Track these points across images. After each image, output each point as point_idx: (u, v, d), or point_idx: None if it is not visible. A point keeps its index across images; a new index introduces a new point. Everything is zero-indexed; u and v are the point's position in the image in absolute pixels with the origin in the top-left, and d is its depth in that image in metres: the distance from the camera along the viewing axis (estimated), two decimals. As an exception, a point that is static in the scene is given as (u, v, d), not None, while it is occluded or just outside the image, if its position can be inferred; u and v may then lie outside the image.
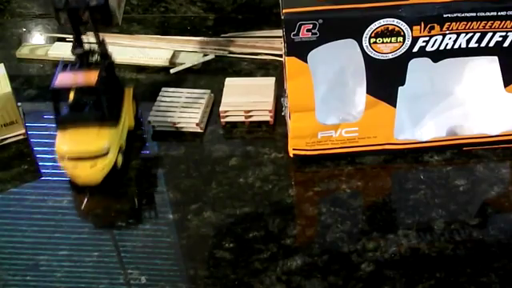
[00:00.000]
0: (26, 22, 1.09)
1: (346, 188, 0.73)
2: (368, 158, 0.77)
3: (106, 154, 0.73)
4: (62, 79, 0.73)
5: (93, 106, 0.74)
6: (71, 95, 0.74)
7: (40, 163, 0.80)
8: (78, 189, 0.75)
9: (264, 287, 0.63)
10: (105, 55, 0.77)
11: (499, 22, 0.66)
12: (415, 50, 0.67)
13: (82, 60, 0.75)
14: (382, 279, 0.63)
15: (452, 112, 0.79)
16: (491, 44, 0.67)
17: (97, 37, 0.75)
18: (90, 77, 0.72)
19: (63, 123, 0.73)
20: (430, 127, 0.77)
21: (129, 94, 0.81)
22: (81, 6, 0.71)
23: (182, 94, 0.86)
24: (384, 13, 0.65)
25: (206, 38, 1.00)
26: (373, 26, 0.65)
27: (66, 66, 0.74)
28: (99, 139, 0.73)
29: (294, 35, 0.66)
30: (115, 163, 0.74)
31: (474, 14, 0.65)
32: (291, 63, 0.68)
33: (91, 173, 0.73)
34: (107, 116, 0.73)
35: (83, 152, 0.72)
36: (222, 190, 0.74)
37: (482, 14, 0.65)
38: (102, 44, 0.76)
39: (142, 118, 0.85)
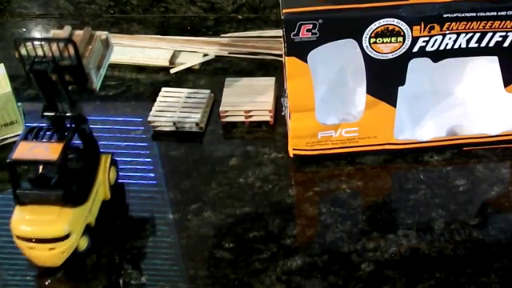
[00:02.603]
0: (25, 21, 1.09)
1: (346, 188, 0.73)
2: (368, 157, 0.77)
3: (67, 237, 0.64)
4: (21, 151, 0.64)
5: (56, 183, 0.66)
6: (36, 168, 0.68)
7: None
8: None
9: (264, 287, 0.63)
10: (79, 120, 0.67)
11: (499, 22, 0.66)
12: (415, 49, 0.67)
13: (55, 124, 0.66)
14: (382, 279, 0.63)
15: (452, 112, 0.79)
16: (491, 44, 0.67)
17: (69, 101, 0.65)
18: (53, 150, 0.64)
19: (21, 199, 0.65)
20: (429, 127, 0.77)
21: (105, 161, 0.72)
22: (48, 68, 0.62)
23: (182, 94, 0.86)
24: (384, 13, 0.65)
25: (206, 38, 1.00)
26: (373, 26, 0.65)
27: (30, 132, 0.66)
28: (59, 221, 0.64)
29: (294, 35, 0.66)
30: (77, 247, 0.66)
31: (474, 14, 0.65)
32: (291, 63, 0.68)
33: (49, 256, 0.65)
34: (71, 195, 0.65)
35: (40, 234, 0.64)
36: (222, 190, 0.74)
37: (482, 14, 0.65)
38: (75, 108, 0.66)
39: (124, 183, 0.76)
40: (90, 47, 0.66)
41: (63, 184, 0.65)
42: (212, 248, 0.67)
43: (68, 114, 0.66)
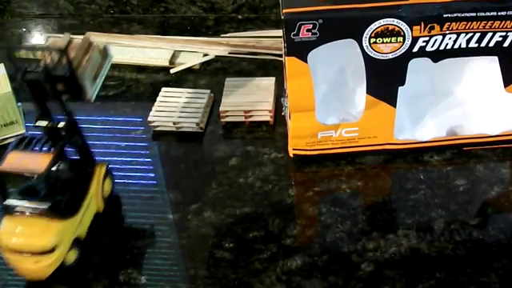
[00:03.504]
0: (25, 21, 1.09)
1: (346, 188, 0.73)
2: (368, 157, 0.77)
3: (53, 250, 0.63)
4: (10, 161, 0.63)
5: (45, 194, 0.64)
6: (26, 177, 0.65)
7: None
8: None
9: (264, 287, 0.63)
10: (72, 131, 0.66)
11: (499, 22, 0.66)
12: (415, 49, 0.67)
13: (49, 134, 0.65)
14: (382, 279, 0.63)
15: (452, 112, 0.79)
16: (491, 44, 0.67)
17: (63, 110, 0.64)
18: (42, 162, 0.62)
19: (9, 210, 0.64)
20: (429, 127, 0.77)
21: (100, 171, 0.70)
22: (40, 77, 0.61)
23: (182, 94, 0.86)
24: (384, 13, 0.65)
25: (206, 38, 1.00)
26: (373, 26, 0.65)
27: (21, 142, 0.64)
28: (45, 234, 0.63)
29: (294, 35, 0.66)
30: (65, 260, 0.65)
31: (474, 14, 0.65)
32: (291, 63, 0.68)
33: (35, 269, 0.64)
34: (58, 208, 0.64)
35: (26, 246, 0.63)
36: (222, 189, 0.74)
37: (482, 14, 0.65)
38: (69, 117, 0.65)
39: (120, 195, 0.75)
40: (87, 57, 0.64)
41: (51, 196, 0.64)
42: (212, 248, 0.67)
43: (60, 125, 0.64)
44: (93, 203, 0.69)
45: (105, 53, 0.68)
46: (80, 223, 0.67)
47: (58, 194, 0.64)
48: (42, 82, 0.61)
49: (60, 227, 0.64)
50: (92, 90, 0.65)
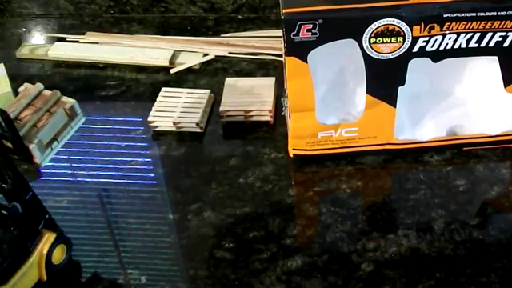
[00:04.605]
0: (25, 21, 1.09)
1: (346, 188, 0.73)
2: (368, 157, 0.77)
3: None
4: None
5: None
6: None
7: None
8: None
9: (264, 287, 0.63)
10: (15, 194, 0.60)
11: (499, 22, 0.66)
12: (415, 49, 0.67)
13: None
14: (382, 279, 0.63)
15: (452, 112, 0.79)
16: (491, 44, 0.67)
17: (9, 172, 0.58)
18: None
19: None
20: (429, 127, 0.77)
21: (48, 239, 0.63)
22: None
23: (182, 94, 0.86)
24: (384, 13, 0.65)
25: (206, 38, 1.00)
26: (373, 26, 0.65)
27: None
28: None
29: (294, 35, 0.66)
30: None
31: (474, 14, 0.65)
32: (291, 63, 0.68)
33: None
34: None
35: None
36: (222, 189, 0.74)
37: (482, 14, 0.65)
38: (14, 181, 0.59)
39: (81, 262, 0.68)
40: (46, 118, 0.60)
41: None
42: (212, 248, 0.67)
43: (4, 186, 0.58)
44: (33, 272, 0.63)
45: (73, 112, 0.63)
46: None
47: None
48: None
49: None
50: (42, 155, 0.60)
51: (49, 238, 0.64)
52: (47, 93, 0.60)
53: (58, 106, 0.61)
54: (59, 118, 0.61)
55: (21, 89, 0.61)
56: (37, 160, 0.59)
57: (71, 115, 0.63)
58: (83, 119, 0.63)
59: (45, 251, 0.63)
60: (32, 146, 0.58)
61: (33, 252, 0.62)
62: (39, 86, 0.60)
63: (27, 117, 0.58)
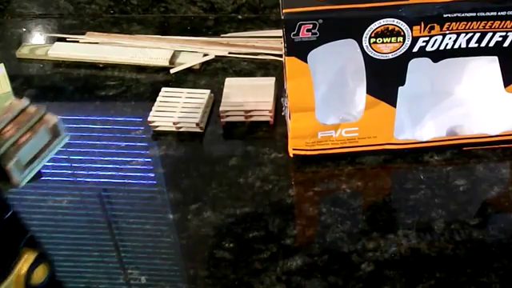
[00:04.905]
0: (25, 21, 1.09)
1: (346, 188, 0.73)
2: (368, 157, 0.76)
3: None
4: None
5: None
6: None
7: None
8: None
9: (264, 287, 0.63)
10: None
11: (499, 22, 0.66)
12: (415, 49, 0.67)
13: None
14: (382, 279, 0.63)
15: (452, 112, 0.79)
16: (491, 44, 0.67)
17: None
18: None
19: None
20: (429, 127, 0.77)
21: (27, 259, 0.61)
22: None
23: (182, 94, 0.86)
24: (384, 13, 0.65)
25: (206, 38, 1.00)
26: (373, 26, 0.65)
27: None
28: None
29: (293, 35, 0.66)
30: None
31: (474, 14, 0.65)
32: (291, 63, 0.68)
33: None
34: None
35: None
36: (222, 190, 0.74)
37: (482, 13, 0.65)
38: None
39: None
40: (30, 133, 0.57)
41: None
42: (212, 248, 0.67)
43: None
44: None
45: (56, 131, 0.60)
46: None
47: None
48: None
49: None
50: (22, 176, 0.57)
51: (28, 257, 0.61)
52: (32, 109, 0.57)
53: (41, 123, 0.57)
54: (41, 136, 0.57)
55: (6, 103, 0.58)
56: (15, 180, 0.56)
57: (55, 134, 0.59)
58: (66, 139, 0.60)
59: (23, 271, 0.60)
60: (11, 165, 0.55)
61: (11, 272, 0.59)
62: (24, 102, 0.58)
63: (8, 132, 0.55)
